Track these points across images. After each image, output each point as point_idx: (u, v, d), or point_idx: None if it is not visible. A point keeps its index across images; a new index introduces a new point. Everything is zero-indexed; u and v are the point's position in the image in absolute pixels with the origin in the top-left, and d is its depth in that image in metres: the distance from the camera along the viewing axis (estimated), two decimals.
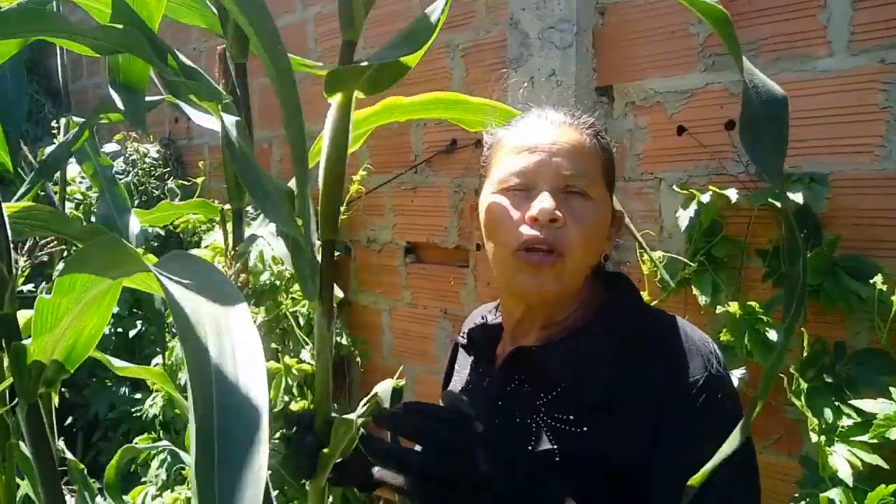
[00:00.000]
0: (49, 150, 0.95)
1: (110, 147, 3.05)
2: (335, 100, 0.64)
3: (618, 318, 0.80)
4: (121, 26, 0.59)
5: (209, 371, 0.35)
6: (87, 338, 0.66)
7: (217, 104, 0.63)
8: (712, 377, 0.73)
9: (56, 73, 3.18)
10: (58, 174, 1.30)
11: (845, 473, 1.16)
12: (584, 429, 0.73)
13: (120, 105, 0.69)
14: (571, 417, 0.74)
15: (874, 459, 1.15)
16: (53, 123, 3.14)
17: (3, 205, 0.66)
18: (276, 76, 0.55)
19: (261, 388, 0.35)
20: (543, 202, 0.75)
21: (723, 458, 0.56)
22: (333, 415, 0.70)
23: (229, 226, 0.80)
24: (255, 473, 0.32)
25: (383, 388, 0.69)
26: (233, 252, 0.78)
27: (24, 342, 0.65)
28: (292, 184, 0.67)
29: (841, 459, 1.17)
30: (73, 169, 2.47)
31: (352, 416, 0.67)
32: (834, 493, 1.19)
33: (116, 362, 1.01)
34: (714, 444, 0.67)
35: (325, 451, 0.69)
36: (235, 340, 0.38)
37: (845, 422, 1.22)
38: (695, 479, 0.56)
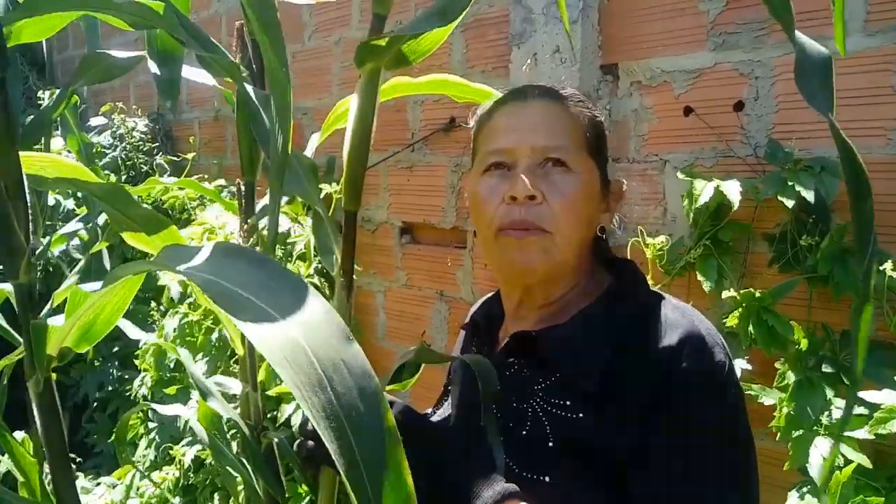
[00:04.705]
0: (29, 119, 0.91)
1: (97, 120, 2.97)
2: (364, 71, 0.66)
3: (621, 305, 0.78)
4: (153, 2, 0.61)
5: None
6: (106, 316, 0.67)
7: (236, 77, 0.64)
8: (714, 367, 0.70)
9: (40, 43, 3.09)
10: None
11: (816, 472, 1.13)
12: (580, 415, 0.71)
13: (156, 72, 0.70)
14: (568, 403, 0.72)
15: (860, 458, 1.11)
16: (40, 94, 3.05)
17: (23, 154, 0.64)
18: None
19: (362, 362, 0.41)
20: (520, 180, 0.76)
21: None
22: None
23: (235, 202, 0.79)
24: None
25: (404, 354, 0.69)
26: (246, 226, 0.79)
27: (41, 319, 0.65)
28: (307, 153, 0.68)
29: (817, 456, 1.14)
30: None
31: None
32: (794, 498, 1.18)
33: (130, 330, 1.00)
34: (714, 436, 0.68)
35: None
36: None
37: (835, 415, 1.18)
38: None
